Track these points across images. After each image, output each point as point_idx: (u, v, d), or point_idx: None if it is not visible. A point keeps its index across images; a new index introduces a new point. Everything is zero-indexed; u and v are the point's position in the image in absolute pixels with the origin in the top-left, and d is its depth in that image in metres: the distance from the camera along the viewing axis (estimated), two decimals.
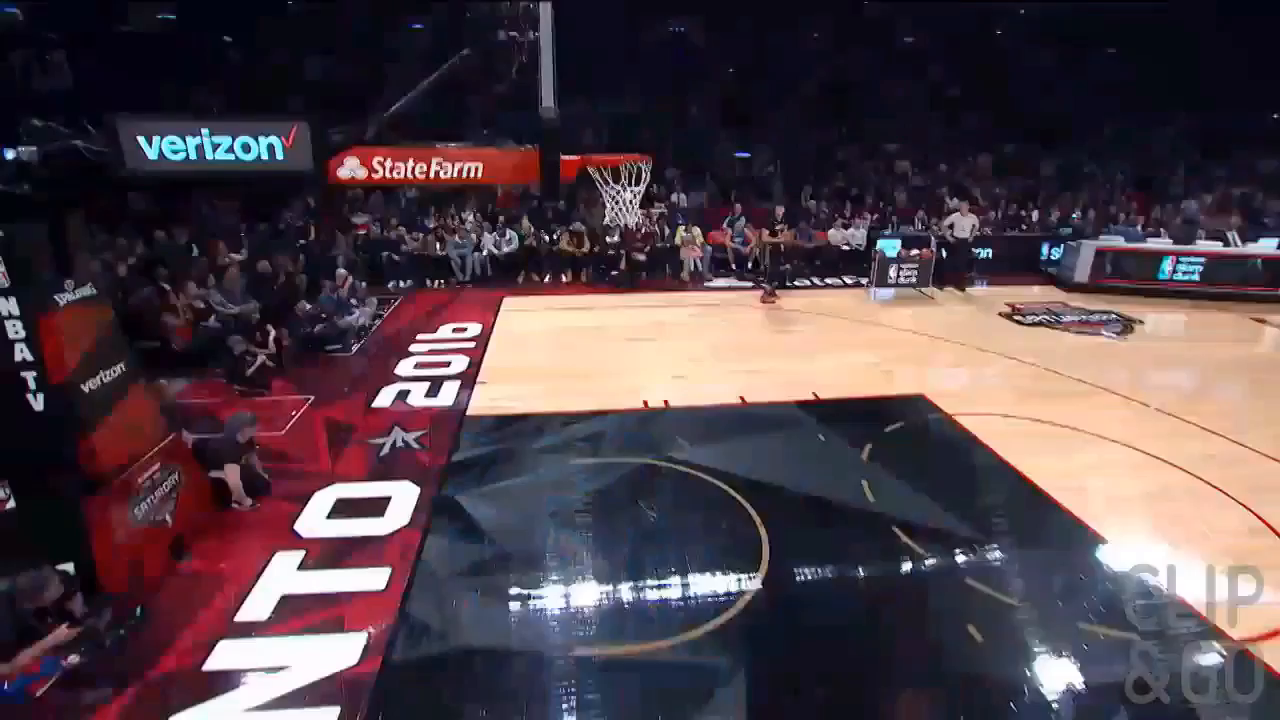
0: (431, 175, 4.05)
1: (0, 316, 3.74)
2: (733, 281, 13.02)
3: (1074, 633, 4.17)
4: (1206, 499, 5.64)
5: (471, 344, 9.31)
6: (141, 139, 3.60)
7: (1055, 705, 3.65)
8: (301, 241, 11.34)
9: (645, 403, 7.44)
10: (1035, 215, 15.45)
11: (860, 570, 4.80)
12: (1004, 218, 15.13)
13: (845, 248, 13.62)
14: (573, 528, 5.24)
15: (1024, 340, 9.80)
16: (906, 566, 4.84)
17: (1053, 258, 13.90)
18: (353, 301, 9.90)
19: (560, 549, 4.98)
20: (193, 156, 3.65)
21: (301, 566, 4.74)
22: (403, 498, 5.58)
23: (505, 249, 12.69)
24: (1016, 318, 10.86)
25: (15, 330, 3.78)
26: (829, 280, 13.21)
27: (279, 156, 3.73)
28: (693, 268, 13.22)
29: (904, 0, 23.66)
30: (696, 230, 13.61)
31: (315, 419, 7.07)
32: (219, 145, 3.66)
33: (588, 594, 4.53)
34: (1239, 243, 11.97)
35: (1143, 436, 6.67)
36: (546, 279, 12.80)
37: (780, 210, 14.00)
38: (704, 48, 23.15)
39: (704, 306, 11.56)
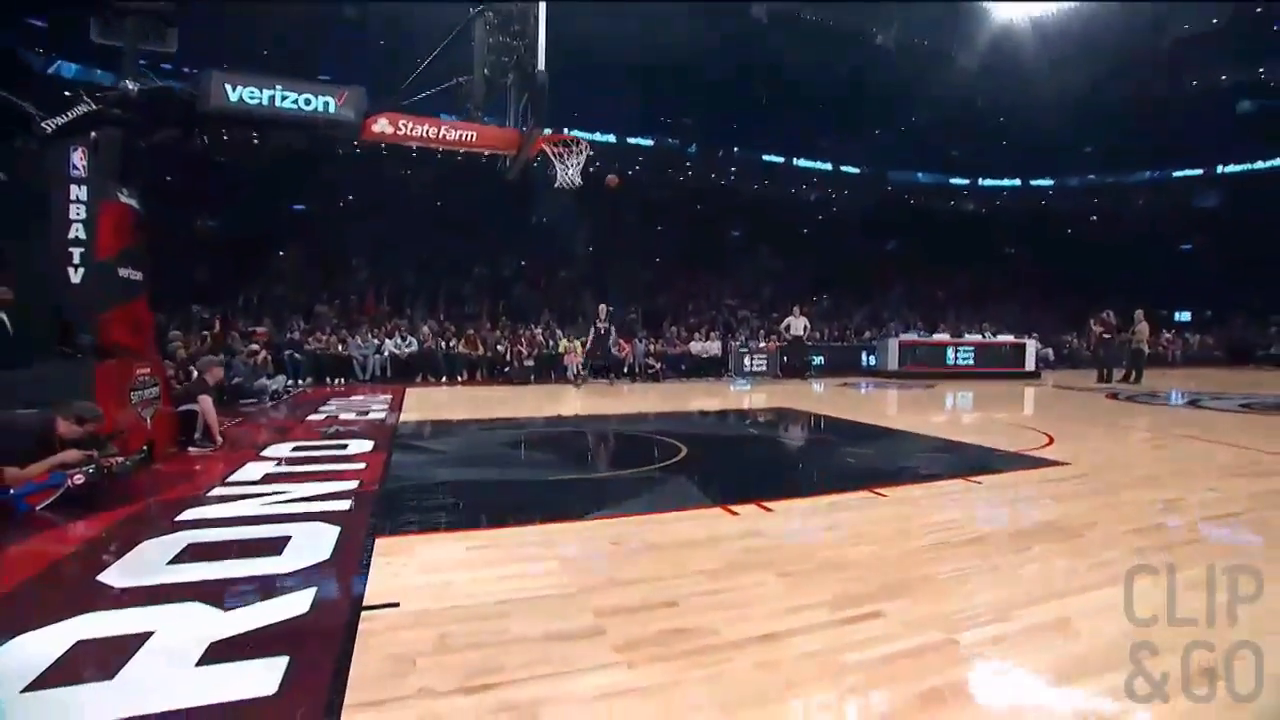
0: (440, 136, 5.54)
1: (69, 198, 4.57)
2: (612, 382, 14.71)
3: (913, 458, 5.75)
4: (984, 426, 7.75)
5: (387, 400, 9.94)
6: (227, 86, 4.87)
7: (901, 480, 5.14)
8: (205, 333, 11.65)
9: (559, 414, 8.57)
10: (854, 337, 19.24)
11: (761, 445, 6.15)
12: (829, 336, 18.70)
13: (704, 356, 16.01)
14: (525, 445, 6.13)
15: (859, 395, 12.19)
16: (795, 447, 6.25)
17: (871, 363, 17.22)
18: (265, 374, 10.31)
19: (518, 451, 5.85)
20: (264, 103, 4.94)
21: (278, 466, 5.19)
22: (360, 444, 6.16)
23: (406, 350, 13.65)
24: (851, 388, 13.40)
25: (78, 212, 4.57)
26: (693, 379, 15.33)
27: (331, 110, 5.10)
28: (574, 372, 14.82)
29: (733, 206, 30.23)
30: (577, 342, 15.47)
31: (250, 426, 7.40)
32: (287, 97, 4.99)
33: (551, 461, 5.43)
34: (992, 336, 15.97)
35: (943, 412, 8.87)
36: (443, 380, 13.72)
37: (603, 310, 15.89)
38: (572, 229, 27.22)
39: (591, 388, 13.08)
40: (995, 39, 24.55)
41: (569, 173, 5.88)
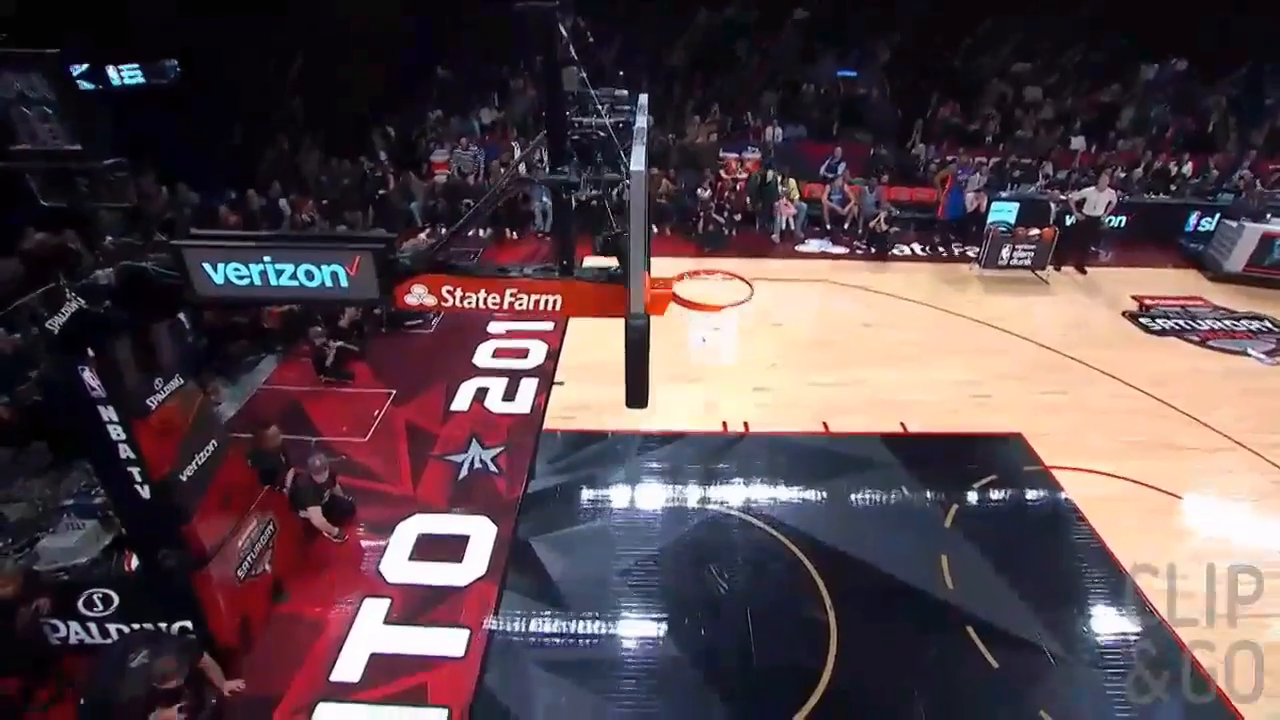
0: (505, 306, 3.78)
1: (103, 422, 3.91)
2: (826, 245, 12.14)
3: None
4: None
5: (550, 327, 9.10)
6: (207, 265, 3.47)
7: None
8: (381, 191, 11.20)
9: (724, 424, 7.23)
10: (1189, 168, 13.29)
11: (927, 683, 4.67)
12: (1146, 174, 13.16)
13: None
14: (644, 593, 5.31)
15: (1148, 356, 8.74)
16: (975, 678, 4.69)
17: (1201, 229, 12.12)
18: None
19: (632, 623, 5.08)
20: (257, 282, 3.51)
21: (387, 620, 5.06)
22: (480, 539, 5.78)
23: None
24: (1144, 320, 9.69)
25: (117, 433, 3.99)
26: (932, 260, 12.07)
27: (343, 284, 3.53)
28: (785, 226, 12.36)
29: None
30: (793, 182, 12.62)
31: (397, 423, 7.26)
32: (282, 272, 3.48)
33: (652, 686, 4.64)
34: None
35: None
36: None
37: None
38: None
39: (791, 283, 10.83)
40: None
41: (713, 332, 3.66)
